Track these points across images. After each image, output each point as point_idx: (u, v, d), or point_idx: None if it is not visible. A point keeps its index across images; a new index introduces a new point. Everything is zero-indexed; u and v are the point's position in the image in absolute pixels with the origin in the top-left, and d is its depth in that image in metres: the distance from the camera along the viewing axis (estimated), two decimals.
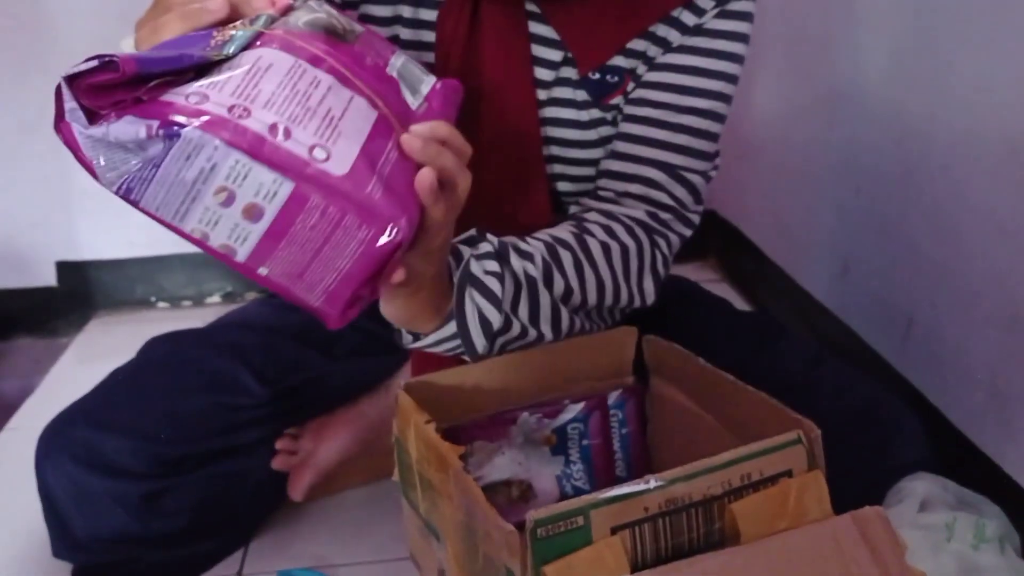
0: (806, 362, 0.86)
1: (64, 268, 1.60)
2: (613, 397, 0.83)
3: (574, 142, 0.85)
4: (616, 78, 0.83)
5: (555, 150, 0.85)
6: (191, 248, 0.56)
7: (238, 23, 0.58)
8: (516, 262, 0.73)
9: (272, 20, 0.59)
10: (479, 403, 0.78)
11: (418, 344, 0.74)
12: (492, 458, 0.79)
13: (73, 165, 0.54)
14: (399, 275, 0.58)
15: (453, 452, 0.64)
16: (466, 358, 0.76)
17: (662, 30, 0.82)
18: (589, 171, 0.86)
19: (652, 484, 0.56)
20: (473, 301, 0.71)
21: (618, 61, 0.83)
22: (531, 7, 0.82)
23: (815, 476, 0.60)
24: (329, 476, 0.98)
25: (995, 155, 0.90)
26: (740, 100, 0.87)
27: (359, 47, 0.62)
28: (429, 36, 0.82)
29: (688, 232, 0.85)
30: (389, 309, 0.69)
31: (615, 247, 0.79)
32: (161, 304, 1.65)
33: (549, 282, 0.75)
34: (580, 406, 0.81)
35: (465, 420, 0.77)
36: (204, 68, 0.55)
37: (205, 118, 0.52)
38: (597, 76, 0.83)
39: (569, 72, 0.83)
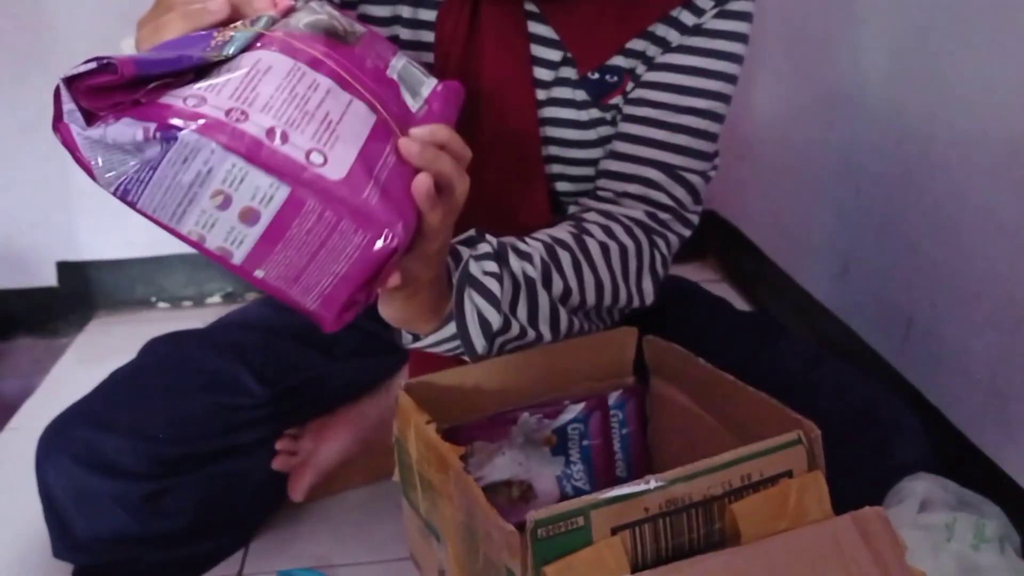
0: (806, 362, 0.86)
1: (64, 268, 1.60)
2: (613, 397, 0.83)
3: (573, 142, 0.85)
4: (615, 78, 0.83)
5: (554, 150, 0.85)
6: (191, 248, 0.56)
7: (239, 24, 0.58)
8: (515, 263, 0.73)
9: (273, 21, 0.59)
10: (479, 403, 0.78)
11: (418, 344, 0.74)
12: (492, 458, 0.79)
13: (73, 165, 0.53)
14: (395, 279, 0.58)
15: (453, 452, 0.64)
16: (465, 358, 0.76)
17: (661, 30, 0.82)
18: (588, 171, 0.86)
19: (652, 484, 0.56)
20: (472, 302, 0.71)
21: (617, 61, 0.83)
22: (530, 7, 0.82)
23: (815, 476, 0.60)
24: (329, 476, 0.98)
25: (995, 155, 0.90)
26: (740, 100, 0.87)
27: (360, 49, 0.62)
28: (428, 36, 0.82)
29: (687, 232, 0.85)
30: (387, 310, 0.69)
31: (614, 247, 0.79)
32: (161, 304, 1.65)
33: (548, 283, 0.75)
34: (580, 406, 0.81)
35: (465, 420, 0.77)
36: (204, 69, 0.55)
37: (202, 121, 0.52)
38: (596, 76, 0.83)
39: (568, 72, 0.83)
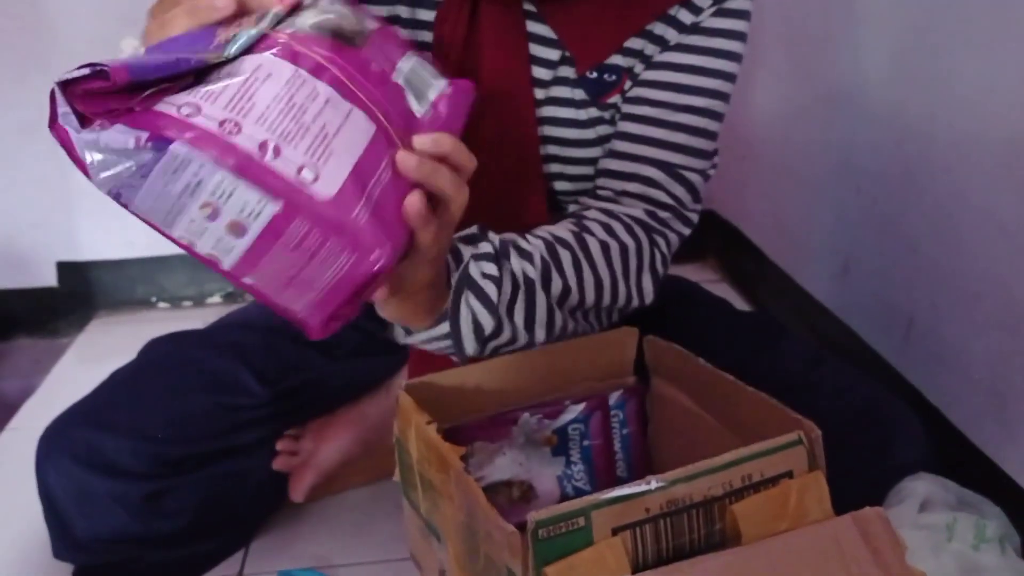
0: (806, 362, 0.86)
1: (65, 268, 1.60)
2: (614, 398, 0.83)
3: (572, 141, 0.85)
4: (614, 77, 0.83)
5: (553, 149, 0.85)
6: None
7: (244, 21, 0.58)
8: (516, 262, 0.73)
9: (279, 19, 0.58)
10: (480, 404, 0.78)
11: (410, 339, 0.74)
12: (493, 459, 0.79)
13: (73, 165, 0.54)
14: (381, 293, 0.59)
15: (454, 453, 0.64)
16: (455, 358, 0.76)
17: (659, 28, 0.82)
18: (587, 170, 0.86)
19: (653, 485, 0.56)
20: (468, 305, 0.71)
21: (616, 60, 0.83)
22: (528, 6, 0.82)
23: (816, 477, 0.60)
24: (330, 477, 0.98)
25: (995, 155, 0.90)
26: (740, 100, 0.87)
27: (367, 51, 0.61)
28: (427, 36, 0.82)
29: (687, 231, 0.85)
30: (384, 309, 0.69)
31: (614, 246, 0.79)
32: (162, 304, 1.65)
33: (547, 283, 0.75)
34: (581, 407, 0.81)
35: (466, 421, 0.77)
36: (204, 70, 0.54)
37: (193, 133, 0.51)
38: (595, 75, 0.83)
39: (567, 71, 0.83)
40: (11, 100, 1.47)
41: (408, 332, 0.74)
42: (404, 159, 0.57)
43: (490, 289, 0.71)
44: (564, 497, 0.80)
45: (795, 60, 1.38)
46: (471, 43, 0.81)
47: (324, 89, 0.56)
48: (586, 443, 0.82)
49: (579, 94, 0.84)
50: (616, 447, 0.83)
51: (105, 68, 0.50)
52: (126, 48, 0.61)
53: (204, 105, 0.53)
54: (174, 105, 0.52)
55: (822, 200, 1.29)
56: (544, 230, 0.79)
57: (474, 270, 0.71)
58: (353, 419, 0.98)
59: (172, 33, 0.57)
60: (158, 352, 0.94)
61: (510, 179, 0.84)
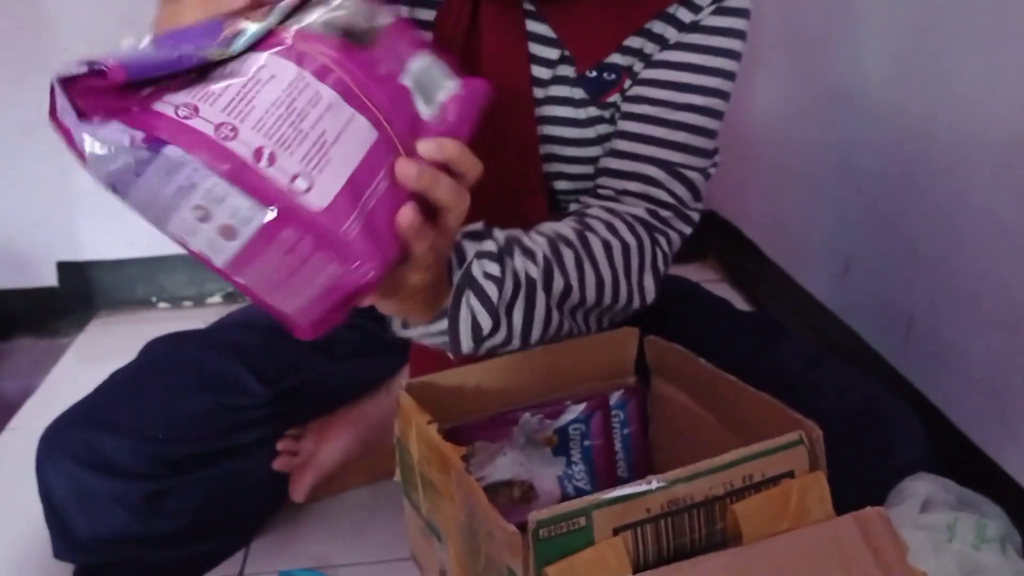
0: (806, 362, 0.86)
1: (65, 268, 1.60)
2: (615, 398, 0.83)
3: (572, 140, 0.85)
4: (613, 76, 0.83)
5: (553, 148, 0.85)
6: None
7: (253, 13, 0.57)
8: (519, 261, 0.73)
9: (287, 14, 0.57)
10: (480, 404, 0.78)
11: (406, 332, 0.74)
12: (494, 459, 0.79)
13: (73, 165, 0.53)
14: (373, 299, 0.59)
15: (455, 453, 0.64)
16: (450, 355, 0.76)
17: (659, 27, 0.82)
18: (587, 169, 0.86)
19: (654, 485, 0.56)
20: (468, 305, 0.71)
21: (615, 59, 0.83)
22: (528, 6, 0.82)
23: (817, 477, 0.60)
24: (330, 477, 0.98)
25: (995, 155, 0.90)
26: (740, 100, 0.87)
27: (376, 51, 0.59)
28: (427, 36, 0.82)
29: (688, 230, 0.85)
30: (382, 305, 0.69)
31: (616, 244, 0.79)
32: (162, 304, 1.65)
33: (548, 283, 0.75)
34: (582, 407, 0.81)
35: (467, 421, 0.77)
36: (207, 66, 0.54)
37: (188, 137, 0.51)
38: (594, 74, 0.83)
39: (566, 70, 0.83)
40: (11, 100, 1.47)
41: (405, 325, 0.74)
42: (403, 169, 0.56)
43: (491, 290, 0.71)
44: (565, 497, 0.80)
45: (795, 60, 1.38)
46: (471, 42, 0.81)
47: (327, 93, 0.55)
48: (587, 443, 0.82)
49: (579, 93, 0.84)
50: (617, 447, 0.83)
51: (103, 68, 0.50)
52: (127, 48, 0.61)
53: (202, 107, 0.52)
54: (172, 105, 0.52)
55: (822, 200, 1.29)
56: (548, 227, 0.78)
57: (477, 270, 0.71)
58: (353, 419, 0.98)
59: (183, 22, 0.56)
60: (158, 352, 0.94)
61: (510, 179, 0.84)
